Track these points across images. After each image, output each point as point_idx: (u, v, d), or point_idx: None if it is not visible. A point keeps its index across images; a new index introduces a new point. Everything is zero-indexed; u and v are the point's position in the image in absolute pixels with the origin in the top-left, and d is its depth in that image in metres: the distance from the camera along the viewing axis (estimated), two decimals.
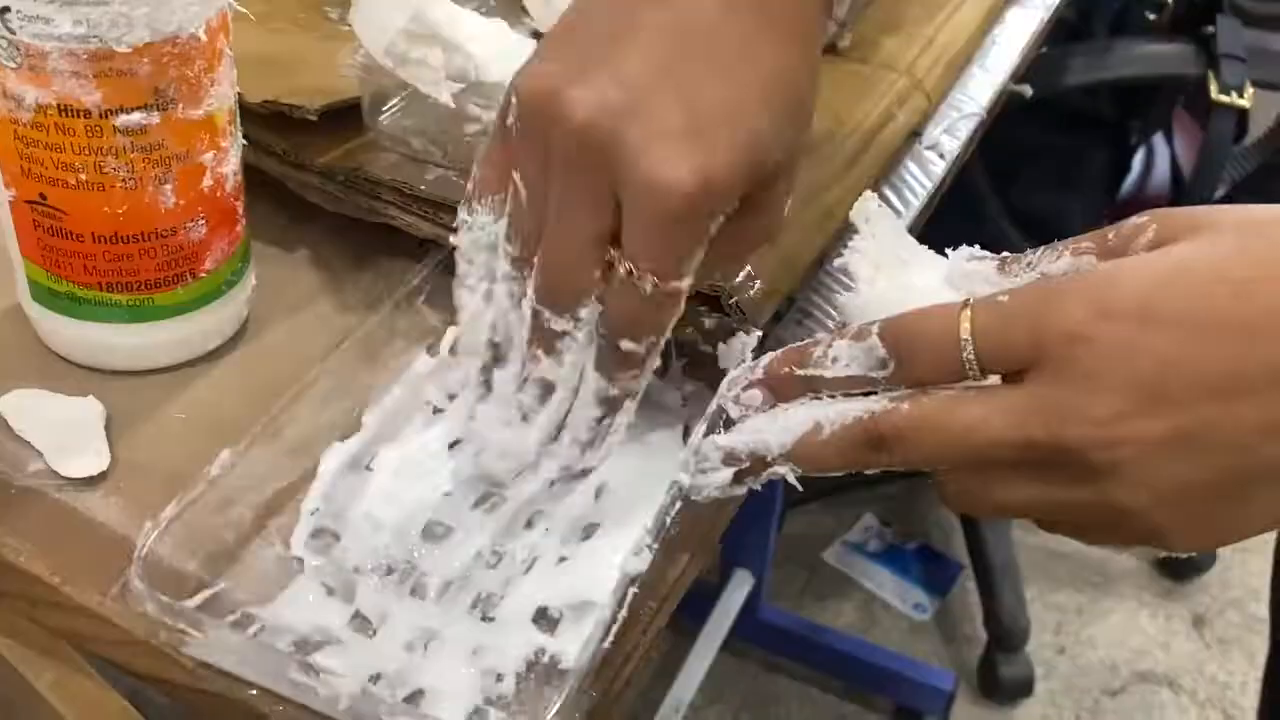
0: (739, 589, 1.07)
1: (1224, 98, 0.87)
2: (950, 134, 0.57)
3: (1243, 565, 1.32)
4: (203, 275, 0.35)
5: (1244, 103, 0.87)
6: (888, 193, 0.52)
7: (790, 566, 1.29)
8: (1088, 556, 1.31)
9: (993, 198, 0.96)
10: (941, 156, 0.55)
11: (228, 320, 0.38)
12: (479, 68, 0.39)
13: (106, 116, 0.31)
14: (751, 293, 0.38)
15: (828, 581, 1.30)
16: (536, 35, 0.46)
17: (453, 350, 0.37)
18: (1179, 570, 1.28)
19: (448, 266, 0.36)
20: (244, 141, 0.36)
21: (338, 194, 0.42)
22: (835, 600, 1.28)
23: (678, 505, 0.32)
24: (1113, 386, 0.26)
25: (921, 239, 0.35)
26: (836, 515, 1.39)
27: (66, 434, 0.33)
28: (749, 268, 0.38)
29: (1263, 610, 0.90)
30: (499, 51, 0.40)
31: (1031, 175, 0.99)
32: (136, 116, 0.31)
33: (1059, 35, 0.94)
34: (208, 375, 0.37)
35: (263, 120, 0.41)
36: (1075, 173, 1.00)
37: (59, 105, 0.30)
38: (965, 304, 0.28)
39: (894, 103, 0.54)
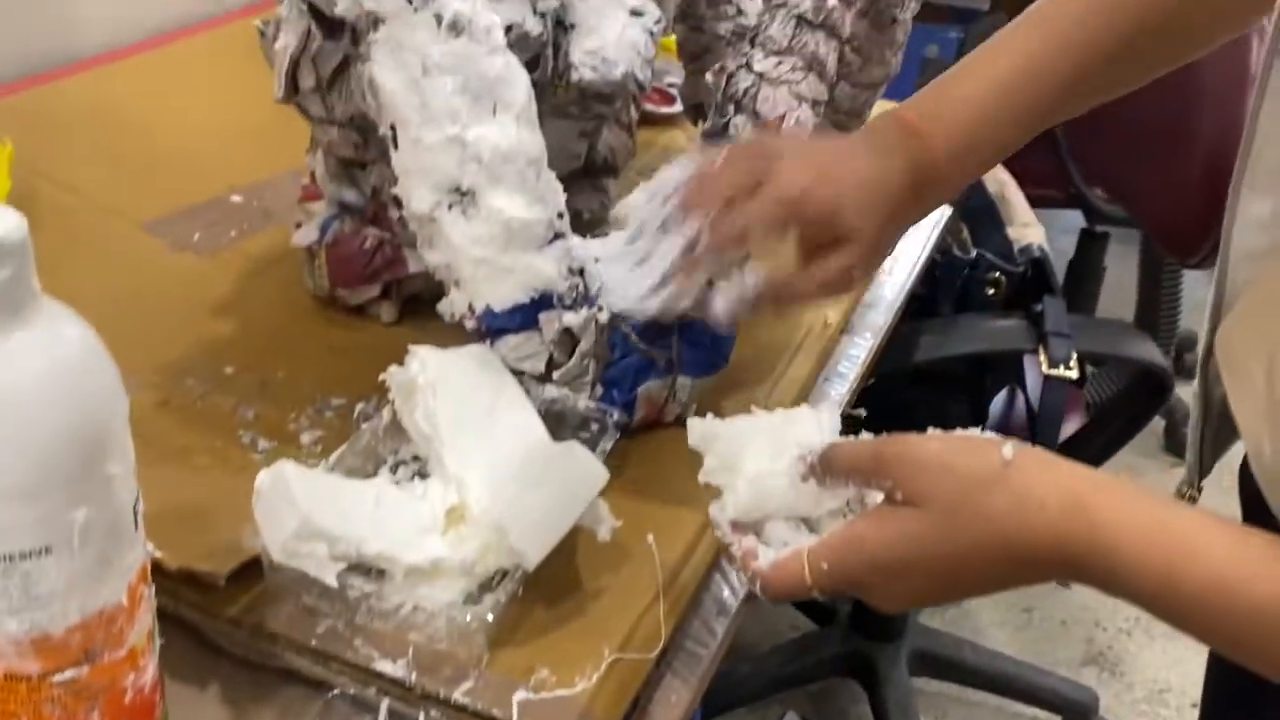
0: None
1: (1054, 371, 0.99)
2: None
3: None
4: None
5: (1071, 374, 0.99)
6: (724, 565, 0.61)
7: None
8: None
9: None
10: None
11: None
12: (359, 549, 0.48)
13: (44, 677, 0.39)
14: None
15: None
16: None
17: None
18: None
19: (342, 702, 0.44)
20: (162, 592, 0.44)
21: (244, 640, 0.50)
22: None
23: None
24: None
25: None
26: (761, 715, 1.46)
27: None
28: None
29: None
30: (375, 532, 0.49)
31: (902, 429, 1.10)
32: (69, 673, 0.39)
33: (911, 310, 1.06)
34: None
35: (179, 574, 0.50)
36: (939, 423, 1.11)
37: (4, 674, 0.38)
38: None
39: None
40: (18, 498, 0.36)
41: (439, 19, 0.53)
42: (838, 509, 0.48)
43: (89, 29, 1.02)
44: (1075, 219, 1.97)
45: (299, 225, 0.71)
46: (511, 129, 0.56)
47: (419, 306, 0.71)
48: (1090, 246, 2.03)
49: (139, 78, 0.98)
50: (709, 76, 0.78)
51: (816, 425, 0.50)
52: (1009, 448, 0.44)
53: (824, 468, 0.47)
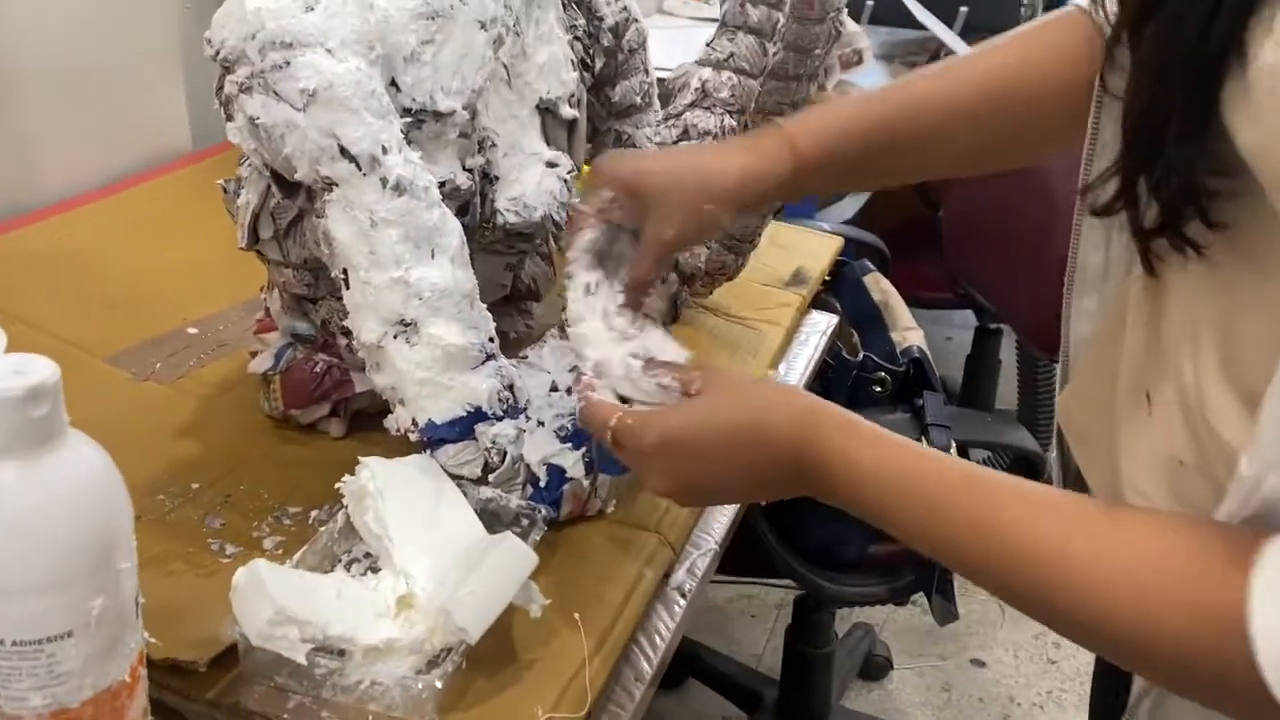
0: None
1: None
2: (691, 573, 0.76)
3: None
4: None
5: None
6: (641, 639, 0.70)
7: None
8: None
9: (778, 543, 1.16)
10: (683, 596, 0.74)
11: None
12: (325, 632, 0.56)
13: None
14: None
15: None
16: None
17: None
18: None
19: None
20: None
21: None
22: None
23: None
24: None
25: None
26: None
27: None
28: None
29: None
30: (337, 617, 0.57)
31: (805, 518, 1.20)
32: None
33: None
34: None
35: (163, 664, 0.57)
36: (840, 511, 1.21)
37: None
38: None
39: (644, 563, 0.72)
40: (48, 590, 0.43)
41: (384, 181, 0.64)
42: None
43: (47, 180, 1.10)
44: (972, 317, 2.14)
45: (254, 354, 0.80)
46: (448, 269, 0.66)
47: (364, 420, 0.79)
48: (984, 341, 2.20)
49: (96, 223, 1.07)
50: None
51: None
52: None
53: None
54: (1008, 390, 2.13)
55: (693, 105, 0.79)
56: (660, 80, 0.94)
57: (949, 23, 2.50)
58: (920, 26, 2.27)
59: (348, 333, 0.71)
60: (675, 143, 0.81)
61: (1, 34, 1.02)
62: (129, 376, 0.84)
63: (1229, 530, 0.43)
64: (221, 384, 0.84)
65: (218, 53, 0.63)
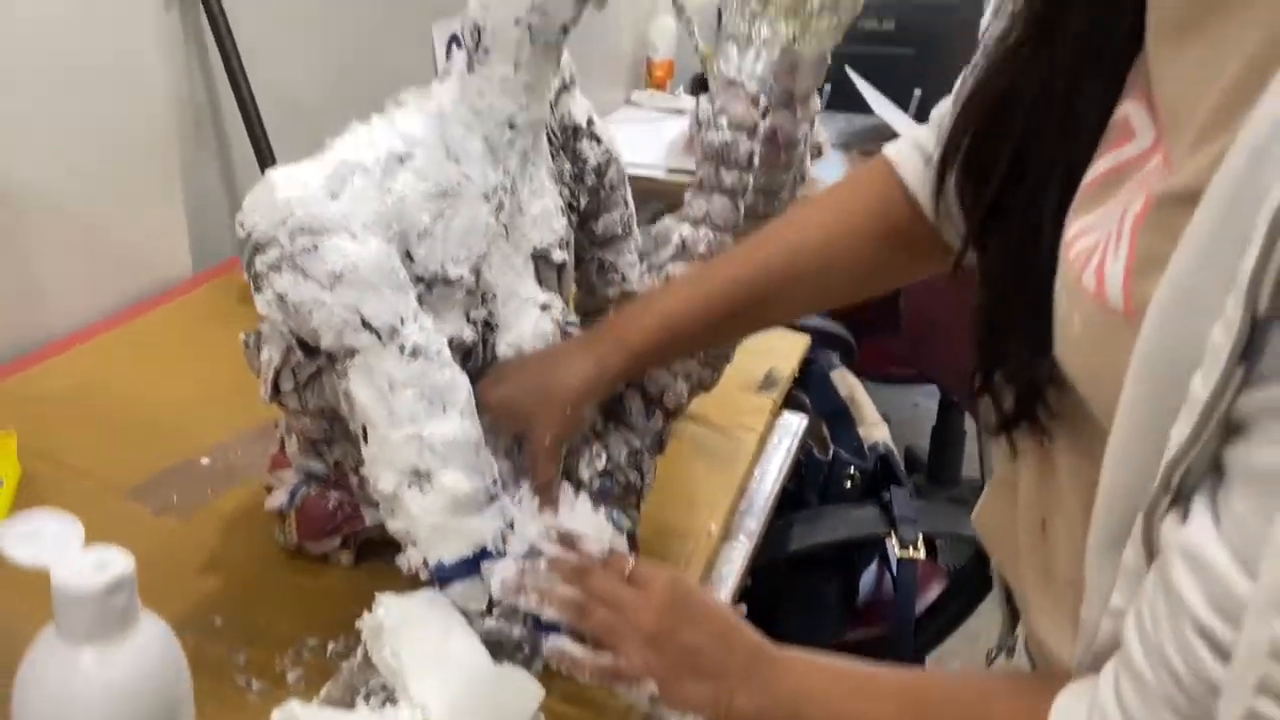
0: None
1: (903, 552, 1.18)
2: None
3: None
4: None
5: (919, 555, 1.18)
6: None
7: None
8: None
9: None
10: None
11: None
12: None
13: None
14: None
15: None
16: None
17: None
18: None
19: None
20: None
21: None
22: None
23: None
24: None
25: None
26: None
27: None
28: None
29: None
30: None
31: (785, 609, 1.27)
32: None
33: (783, 504, 1.24)
34: None
35: None
36: (816, 601, 1.28)
37: None
38: None
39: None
40: None
41: (402, 349, 0.70)
42: None
43: (55, 314, 1.16)
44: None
45: (270, 489, 0.86)
46: (457, 421, 0.73)
47: (372, 549, 0.85)
48: (949, 414, 2.28)
49: (106, 355, 1.13)
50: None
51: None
52: None
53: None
54: (976, 455, 2.20)
55: (674, 258, 0.87)
56: (646, 219, 1.01)
57: (904, 105, 2.62)
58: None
59: (359, 471, 0.77)
60: None
61: (7, 176, 1.08)
62: (148, 511, 0.89)
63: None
64: (236, 515, 0.89)
65: (249, 235, 0.70)
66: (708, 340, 0.80)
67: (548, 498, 0.77)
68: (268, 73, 1.35)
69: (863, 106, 2.33)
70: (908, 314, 2.08)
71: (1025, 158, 0.53)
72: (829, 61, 0.92)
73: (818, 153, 2.11)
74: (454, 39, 1.88)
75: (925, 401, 2.55)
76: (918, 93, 2.69)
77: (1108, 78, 0.50)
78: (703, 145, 0.87)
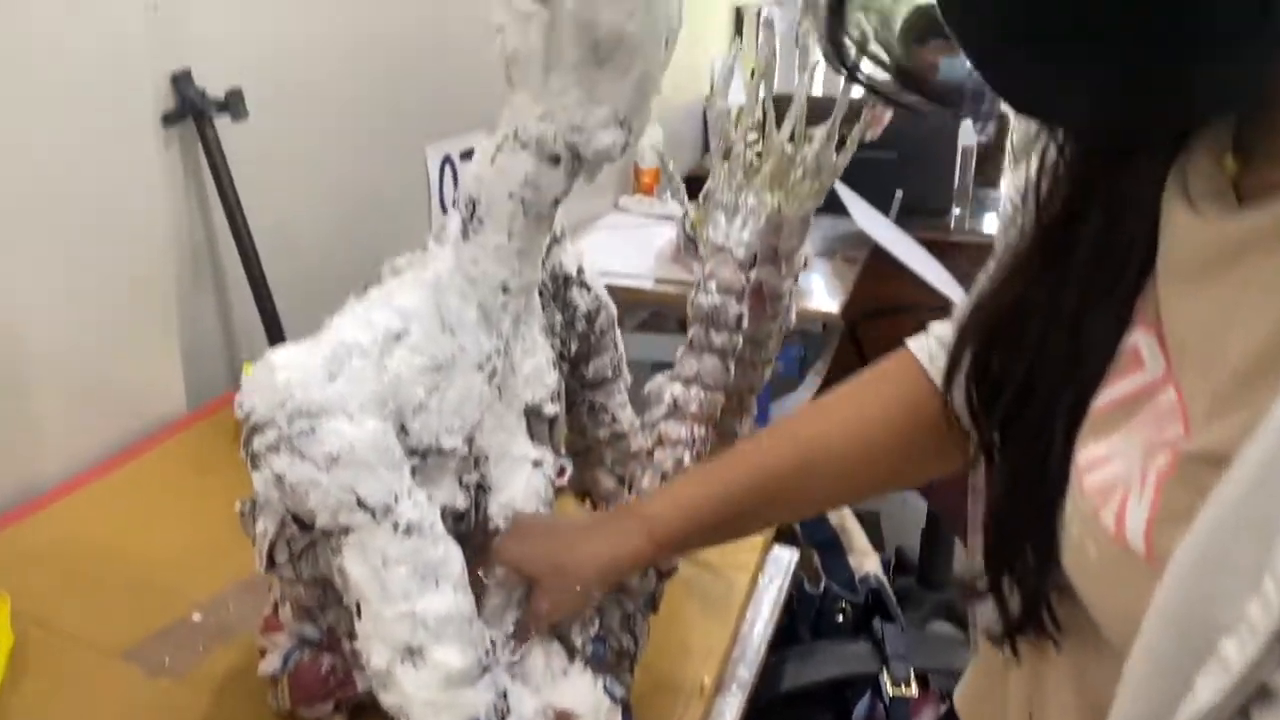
0: None
1: (895, 690, 1.17)
2: None
3: None
4: None
5: (911, 693, 1.18)
6: None
7: None
8: None
9: None
10: None
11: None
12: None
13: None
14: None
15: None
16: None
17: None
18: None
19: None
20: None
21: None
22: None
23: None
24: None
25: None
26: None
27: None
28: None
29: None
30: None
31: None
32: None
33: (776, 638, 1.24)
34: None
35: None
36: None
37: None
38: None
39: None
40: None
41: (396, 526, 0.71)
42: None
43: (49, 460, 1.16)
44: None
45: (263, 652, 0.85)
46: (450, 596, 0.73)
47: (366, 714, 0.85)
48: (935, 520, 2.29)
49: (98, 506, 1.13)
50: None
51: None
52: None
53: None
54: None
55: (666, 417, 0.89)
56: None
57: (885, 207, 2.68)
58: None
59: (353, 636, 0.77)
60: (651, 450, 0.90)
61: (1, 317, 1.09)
62: (142, 674, 0.88)
63: None
64: (230, 676, 0.89)
65: (248, 416, 0.71)
66: (730, 533, 0.79)
67: (524, 635, 0.79)
68: (265, 208, 1.38)
69: (845, 210, 2.37)
70: None
71: (1034, 376, 0.53)
72: (811, 222, 0.95)
73: (804, 264, 2.14)
74: (451, 177, 1.92)
75: (914, 499, 2.56)
76: (899, 194, 2.75)
77: (1118, 306, 0.50)
78: (693, 307, 0.90)
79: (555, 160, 0.78)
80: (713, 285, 0.88)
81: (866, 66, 0.44)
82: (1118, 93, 0.41)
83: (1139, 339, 0.50)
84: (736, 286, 0.88)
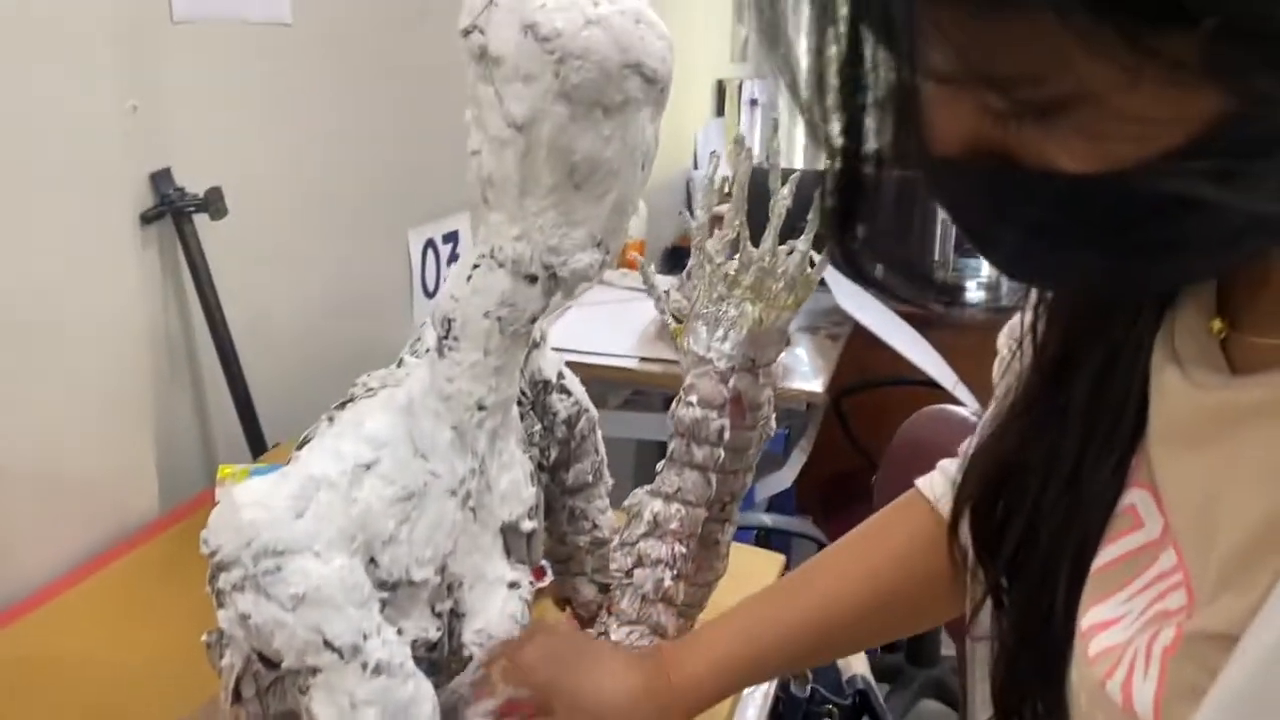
0: None
1: None
2: None
3: None
4: None
5: None
6: None
7: None
8: None
9: None
10: None
11: None
12: None
13: None
14: None
15: None
16: None
17: None
18: None
19: None
20: None
21: None
22: None
23: None
24: None
25: None
26: None
27: None
28: None
29: None
30: None
31: None
32: None
33: None
34: None
35: None
36: None
37: None
38: None
39: None
40: None
41: (364, 666, 0.69)
42: None
43: (20, 569, 1.13)
44: None
45: None
46: None
47: None
48: None
49: (69, 619, 1.10)
50: None
51: None
52: None
53: None
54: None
55: (646, 535, 0.87)
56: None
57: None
58: None
59: None
60: (629, 571, 0.88)
61: None
62: None
63: None
64: None
65: (214, 554, 0.69)
66: (754, 684, 0.80)
67: None
68: (244, 304, 1.37)
69: (826, 285, 2.38)
70: (881, 491, 2.08)
71: (1036, 527, 0.53)
72: (788, 333, 0.95)
73: (786, 343, 2.14)
74: (429, 245, 1.92)
75: None
76: (880, 267, 2.76)
77: (1115, 461, 0.50)
78: (674, 420, 0.88)
79: (532, 280, 0.77)
80: (694, 399, 0.86)
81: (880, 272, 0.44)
82: (1100, 270, 0.40)
83: (1135, 497, 0.49)
84: (718, 400, 0.87)
